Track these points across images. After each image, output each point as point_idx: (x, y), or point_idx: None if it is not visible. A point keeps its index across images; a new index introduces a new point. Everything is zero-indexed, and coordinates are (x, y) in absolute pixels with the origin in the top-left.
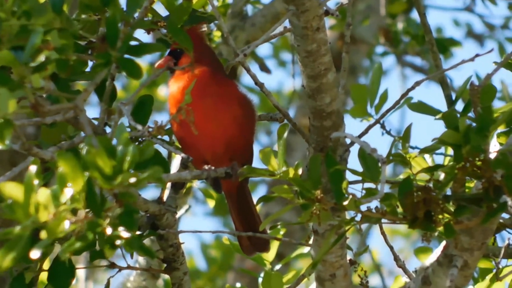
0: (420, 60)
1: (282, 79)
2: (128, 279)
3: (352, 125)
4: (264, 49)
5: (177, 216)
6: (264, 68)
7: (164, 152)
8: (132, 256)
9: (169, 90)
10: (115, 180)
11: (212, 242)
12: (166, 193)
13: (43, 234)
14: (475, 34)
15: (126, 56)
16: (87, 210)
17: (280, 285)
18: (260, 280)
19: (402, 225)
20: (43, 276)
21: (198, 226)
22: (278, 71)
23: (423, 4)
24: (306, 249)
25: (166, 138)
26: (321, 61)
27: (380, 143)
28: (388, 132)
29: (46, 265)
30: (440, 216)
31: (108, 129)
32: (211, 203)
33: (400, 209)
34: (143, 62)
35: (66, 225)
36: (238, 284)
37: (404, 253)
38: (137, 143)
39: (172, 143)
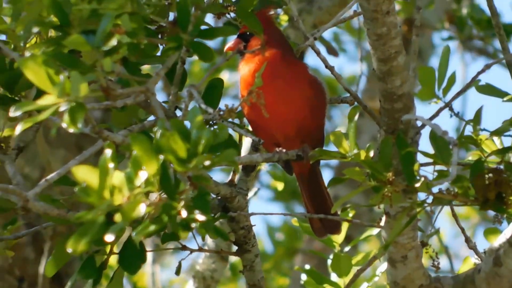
0: (482, 44)
1: (342, 63)
2: (197, 262)
3: (419, 108)
4: (325, 33)
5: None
6: (332, 51)
7: (234, 135)
8: (203, 239)
9: (240, 73)
10: (190, 163)
11: (278, 226)
12: (237, 176)
13: (118, 217)
14: None
15: (197, 39)
16: (161, 193)
17: (349, 267)
18: (329, 261)
19: (461, 208)
20: (112, 259)
21: (263, 210)
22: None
23: None
24: (374, 232)
25: (236, 121)
26: (391, 44)
27: (447, 126)
28: (457, 115)
29: (116, 248)
30: (511, 198)
31: (178, 113)
32: (280, 186)
33: (471, 191)
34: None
35: (142, 208)
36: (307, 266)
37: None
38: (207, 126)
39: (243, 126)
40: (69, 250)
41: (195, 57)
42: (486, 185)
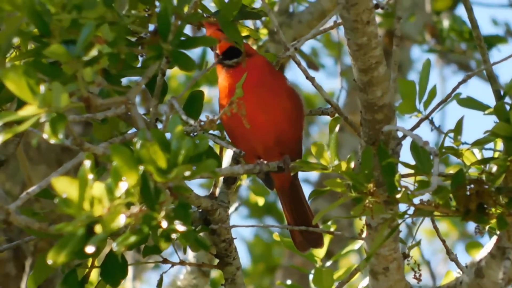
0: (461, 58)
1: (321, 79)
2: (178, 277)
3: (399, 122)
4: (305, 49)
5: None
6: (312, 66)
7: (214, 147)
8: (185, 251)
9: (219, 84)
10: (170, 174)
11: (251, 241)
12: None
13: (98, 229)
14: None
15: (178, 49)
16: (142, 204)
17: (331, 282)
18: (311, 276)
19: (442, 226)
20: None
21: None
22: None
23: None
24: (356, 246)
25: (217, 133)
26: (372, 54)
27: (427, 139)
28: (437, 128)
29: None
30: (493, 209)
31: (159, 125)
32: (261, 201)
33: (452, 203)
34: None
35: (122, 219)
36: (288, 281)
37: (445, 251)
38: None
39: (224, 138)
40: (50, 261)
41: (172, 72)
42: (467, 196)
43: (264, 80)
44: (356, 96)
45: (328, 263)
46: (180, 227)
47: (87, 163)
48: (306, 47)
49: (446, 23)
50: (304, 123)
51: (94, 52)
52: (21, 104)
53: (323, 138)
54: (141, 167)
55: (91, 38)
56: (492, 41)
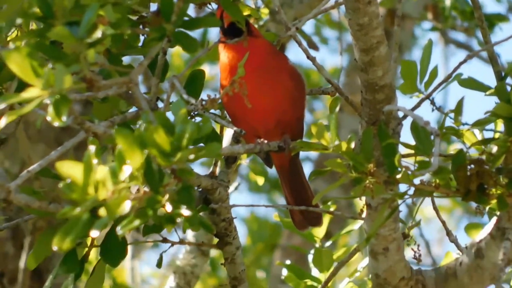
0: (464, 36)
1: (324, 56)
2: (177, 257)
3: (400, 102)
4: (307, 27)
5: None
6: (312, 45)
7: (215, 126)
8: (184, 231)
9: (220, 63)
10: (174, 157)
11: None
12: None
13: (102, 212)
14: None
15: (180, 29)
16: (144, 186)
17: (331, 262)
18: (310, 257)
19: (445, 201)
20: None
21: (243, 202)
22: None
23: None
24: (356, 226)
25: (217, 112)
26: (373, 35)
27: (428, 119)
28: (438, 109)
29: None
30: (493, 189)
31: (159, 104)
32: (260, 181)
33: (453, 183)
34: None
35: (127, 204)
36: (287, 262)
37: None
38: (189, 117)
39: (224, 117)
40: (55, 247)
41: (175, 50)
42: (468, 176)
43: (265, 60)
44: (356, 76)
45: (328, 243)
46: (185, 211)
47: (92, 148)
48: (308, 26)
49: (448, 1)
50: (305, 103)
51: (97, 34)
52: (21, 84)
53: (327, 114)
54: (145, 151)
55: (95, 20)
56: (493, 19)
